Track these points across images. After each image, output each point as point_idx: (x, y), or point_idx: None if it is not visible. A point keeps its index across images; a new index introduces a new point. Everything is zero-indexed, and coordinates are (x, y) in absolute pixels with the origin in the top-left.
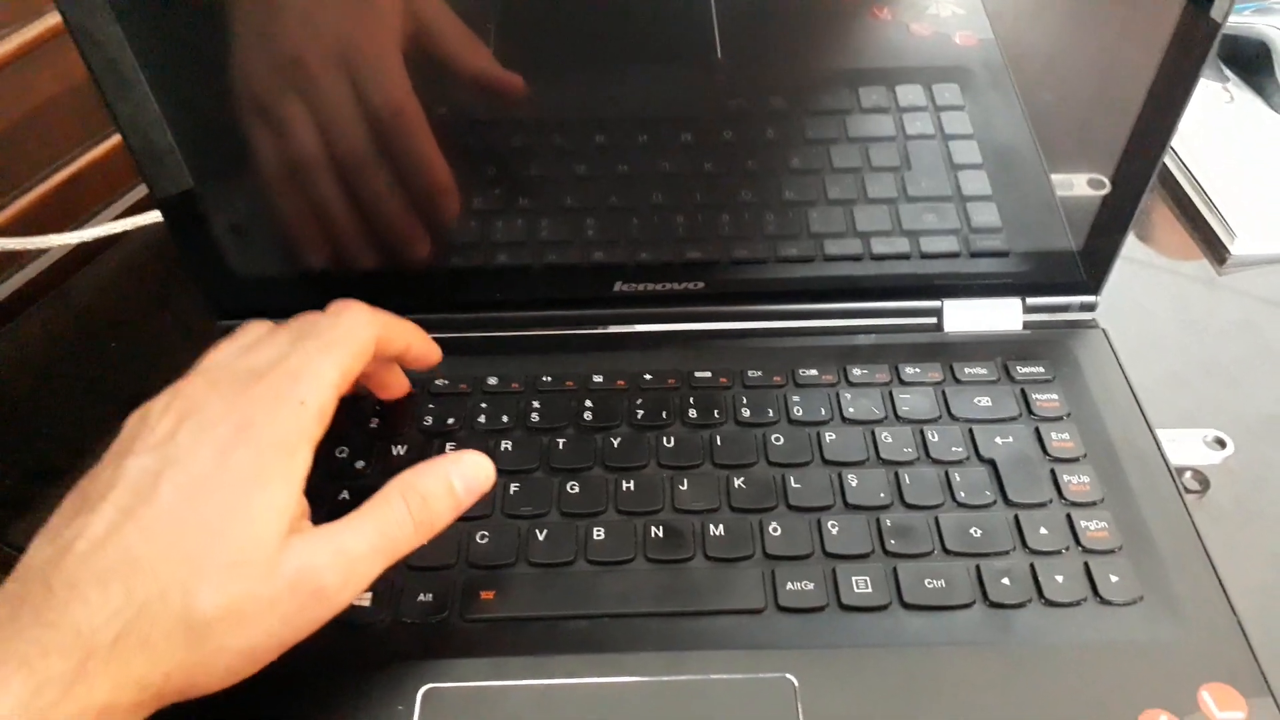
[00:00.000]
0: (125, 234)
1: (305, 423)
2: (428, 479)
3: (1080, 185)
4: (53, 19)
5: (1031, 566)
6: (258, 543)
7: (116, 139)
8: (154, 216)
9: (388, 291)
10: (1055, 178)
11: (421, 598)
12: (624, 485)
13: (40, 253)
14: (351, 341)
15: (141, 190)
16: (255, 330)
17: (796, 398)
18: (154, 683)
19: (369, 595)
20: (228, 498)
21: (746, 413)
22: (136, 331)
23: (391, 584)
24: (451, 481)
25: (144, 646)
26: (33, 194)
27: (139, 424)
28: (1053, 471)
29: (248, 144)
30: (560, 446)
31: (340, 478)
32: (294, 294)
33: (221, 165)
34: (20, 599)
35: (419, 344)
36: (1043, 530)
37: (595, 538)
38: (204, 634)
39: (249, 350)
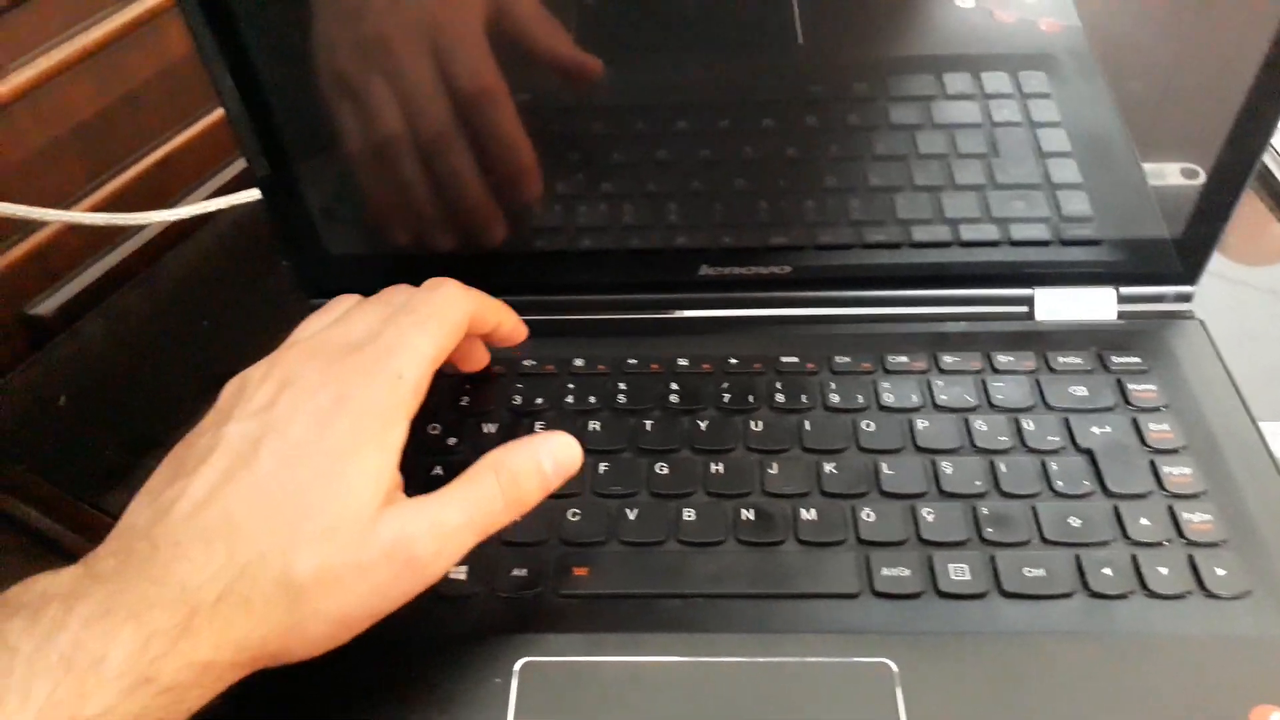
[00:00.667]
0: (214, 215)
1: (402, 395)
2: (519, 458)
3: (1174, 175)
4: (150, 0)
5: (1133, 558)
6: (354, 511)
7: (204, 123)
8: (243, 197)
9: (473, 273)
10: (1148, 166)
11: (516, 572)
12: (713, 468)
13: (135, 231)
14: (447, 318)
15: (227, 174)
16: (345, 303)
17: (887, 384)
18: (251, 645)
19: (464, 568)
20: (326, 466)
21: (836, 399)
22: (226, 308)
23: (486, 559)
24: (541, 461)
25: (244, 607)
26: (127, 174)
27: (237, 392)
28: (1152, 462)
29: (340, 123)
30: (648, 428)
31: (432, 453)
32: (381, 273)
33: (316, 144)
34: (125, 555)
35: (508, 322)
36: (1144, 521)
37: (686, 518)
38: (300, 598)
39: (341, 323)
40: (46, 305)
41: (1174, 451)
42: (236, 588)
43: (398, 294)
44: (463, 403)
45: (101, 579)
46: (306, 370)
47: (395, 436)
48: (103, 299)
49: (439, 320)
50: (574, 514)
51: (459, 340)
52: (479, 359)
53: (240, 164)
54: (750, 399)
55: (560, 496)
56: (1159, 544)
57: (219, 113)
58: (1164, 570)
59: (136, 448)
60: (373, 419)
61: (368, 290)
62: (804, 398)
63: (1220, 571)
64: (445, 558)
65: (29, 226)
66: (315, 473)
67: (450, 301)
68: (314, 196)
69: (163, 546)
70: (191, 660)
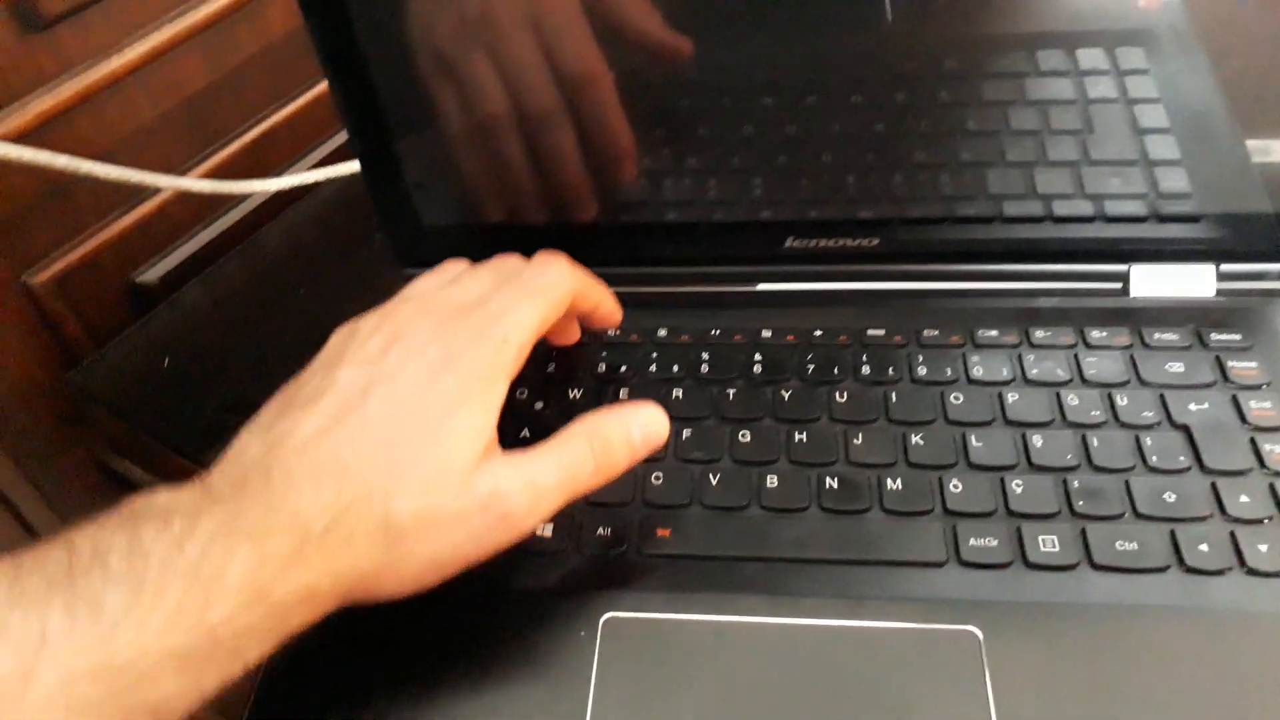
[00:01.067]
0: (312, 188)
1: (506, 359)
2: (610, 425)
3: (1278, 151)
4: None
5: (1232, 534)
6: (454, 461)
7: (304, 98)
8: (338, 170)
9: (560, 245)
10: (1251, 143)
11: (601, 531)
12: (796, 437)
13: (237, 203)
14: (553, 291)
15: (323, 150)
16: (456, 267)
17: (976, 358)
18: (351, 577)
19: (550, 526)
20: (430, 417)
21: (923, 371)
22: (321, 278)
23: (572, 518)
24: (631, 431)
25: (348, 542)
26: (230, 148)
27: (348, 338)
28: (1253, 440)
29: (438, 98)
30: (730, 397)
31: (520, 417)
32: (472, 245)
33: (414, 118)
34: (241, 481)
35: (607, 304)
36: (1244, 498)
37: (768, 485)
38: (398, 538)
39: (454, 285)
40: (151, 273)
41: (1277, 429)
42: (342, 522)
43: (508, 262)
44: (550, 369)
45: (220, 500)
46: (417, 326)
47: (496, 396)
48: (204, 268)
49: (547, 293)
50: (657, 477)
51: (561, 314)
52: (572, 335)
53: (336, 140)
54: (835, 370)
55: (645, 461)
56: (1259, 521)
57: (317, 89)
58: (1264, 547)
59: (234, 408)
60: (477, 378)
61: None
62: (890, 370)
63: None
64: (537, 514)
65: (137, 196)
66: (420, 423)
67: (559, 276)
68: (411, 169)
69: (276, 476)
70: (299, 584)
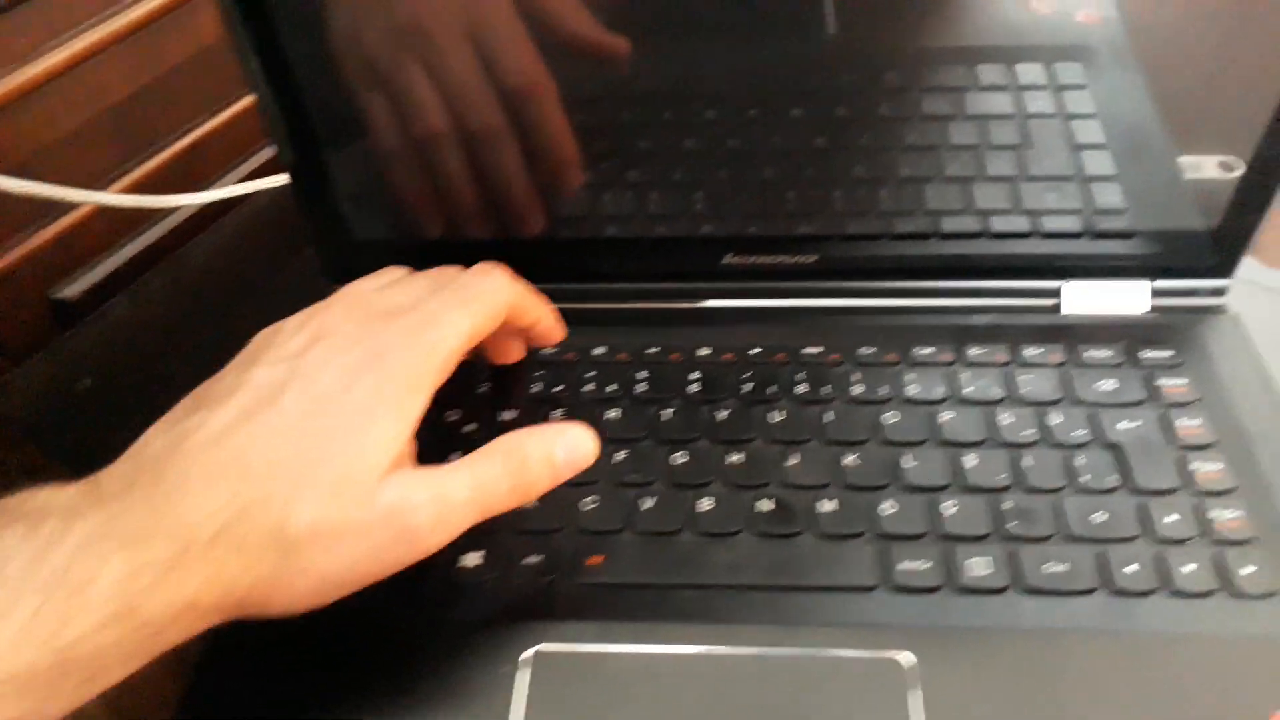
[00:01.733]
0: (242, 200)
1: (431, 366)
2: (531, 443)
3: (1210, 167)
4: None
5: (1158, 554)
6: (363, 469)
7: (236, 107)
8: (271, 182)
9: (498, 259)
10: (1183, 159)
11: (530, 559)
12: (732, 458)
13: (164, 215)
14: (489, 302)
15: (256, 160)
16: (395, 272)
17: (911, 376)
18: (238, 590)
19: (479, 554)
20: (345, 420)
21: (859, 390)
22: (252, 293)
23: (501, 546)
24: (554, 450)
25: (238, 550)
26: (157, 159)
27: (271, 336)
28: (1182, 458)
29: (371, 110)
30: (667, 417)
31: (450, 439)
32: (406, 259)
33: (345, 130)
34: (131, 480)
35: (546, 320)
36: (1171, 517)
37: (703, 508)
38: (293, 549)
39: (389, 288)
40: (73, 289)
41: (1205, 447)
42: (233, 529)
43: (447, 272)
44: (482, 389)
45: (103, 501)
46: (343, 326)
47: (417, 405)
48: (130, 283)
49: (481, 303)
50: (590, 502)
51: (495, 326)
52: (514, 354)
53: (271, 149)
54: (772, 389)
55: (577, 485)
56: (1185, 541)
57: (251, 97)
58: (1189, 568)
59: None
60: (399, 384)
61: None
62: (826, 389)
63: (1247, 570)
64: (443, 531)
65: (57, 210)
66: (333, 426)
67: (496, 287)
68: (342, 182)
69: (169, 476)
70: (177, 596)
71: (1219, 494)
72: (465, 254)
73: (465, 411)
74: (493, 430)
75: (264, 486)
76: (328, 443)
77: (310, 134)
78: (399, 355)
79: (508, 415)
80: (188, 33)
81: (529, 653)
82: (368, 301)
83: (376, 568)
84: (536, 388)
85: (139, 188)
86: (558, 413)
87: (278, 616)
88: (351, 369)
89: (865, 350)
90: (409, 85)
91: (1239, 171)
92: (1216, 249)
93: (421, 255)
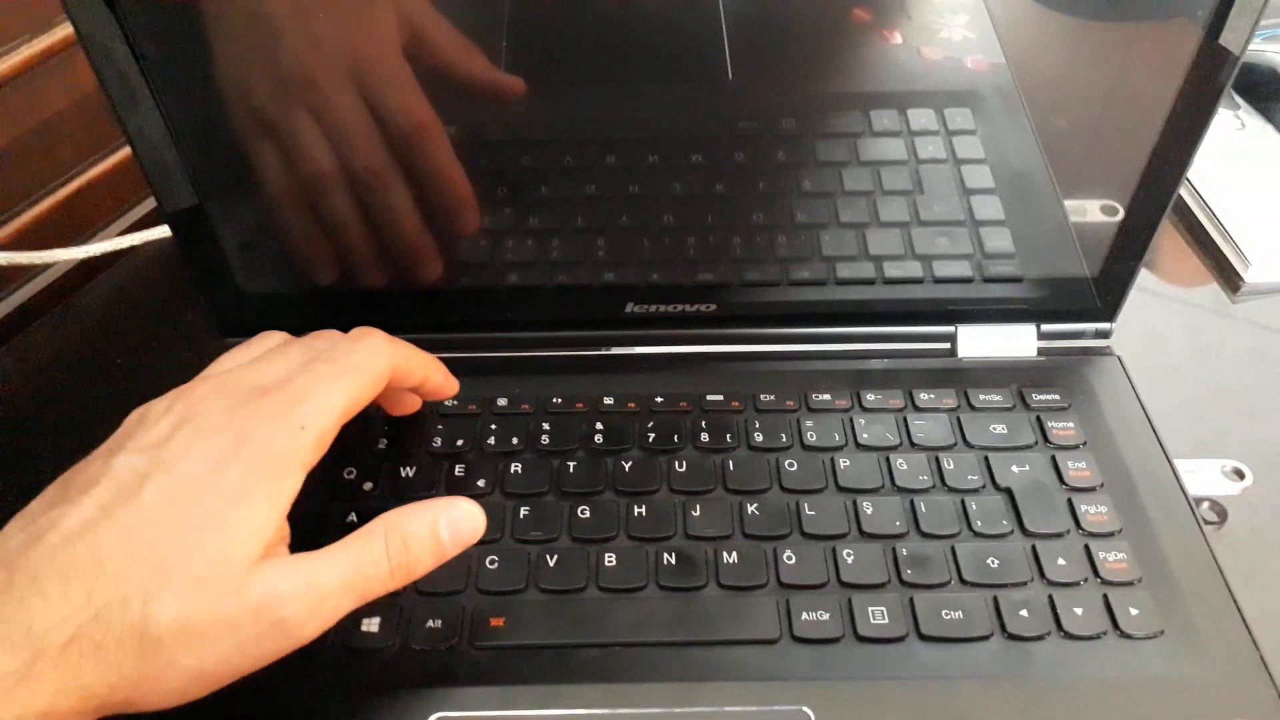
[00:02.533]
0: (132, 249)
1: (301, 447)
2: (413, 521)
3: (1094, 212)
4: (62, 31)
5: (1050, 598)
6: (229, 561)
7: (123, 153)
8: (161, 232)
9: (396, 310)
10: (1069, 204)
11: (430, 624)
12: (635, 510)
13: (46, 267)
14: (365, 372)
15: (148, 205)
16: (269, 341)
17: (810, 423)
18: (99, 693)
19: (376, 620)
20: (210, 510)
21: (759, 438)
22: (142, 348)
23: (400, 610)
24: (438, 528)
25: (95, 653)
26: (39, 207)
27: (137, 422)
28: (1070, 501)
29: (257, 159)
30: (571, 470)
31: (348, 499)
32: (302, 312)
33: (231, 180)
34: None
35: (436, 376)
36: (1061, 561)
37: (606, 564)
38: (156, 648)
39: (260, 362)
40: None
41: (1092, 490)
42: (89, 631)
43: (322, 339)
44: (380, 445)
45: None
46: (209, 408)
47: (287, 488)
48: (11, 337)
49: (355, 373)
50: (492, 561)
51: (374, 395)
52: (410, 405)
53: None
54: (675, 438)
55: (479, 544)
56: (1076, 584)
57: None
58: (1079, 611)
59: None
60: (267, 468)
61: (286, 329)
62: (728, 437)
63: (1134, 611)
64: (317, 621)
65: None
66: (197, 516)
67: (371, 355)
68: (229, 233)
69: (19, 580)
70: (27, 709)
71: (1105, 536)
72: (364, 305)
73: (362, 469)
74: (393, 487)
75: (122, 586)
76: (191, 535)
77: (194, 185)
78: (267, 437)
79: (408, 471)
80: (68, 80)
81: None
82: (236, 380)
83: (248, 662)
84: (437, 442)
85: (20, 238)
86: (459, 468)
87: (153, 710)
88: (218, 454)
89: (765, 397)
90: (293, 132)
91: (1120, 216)
92: (1100, 292)
93: (318, 307)
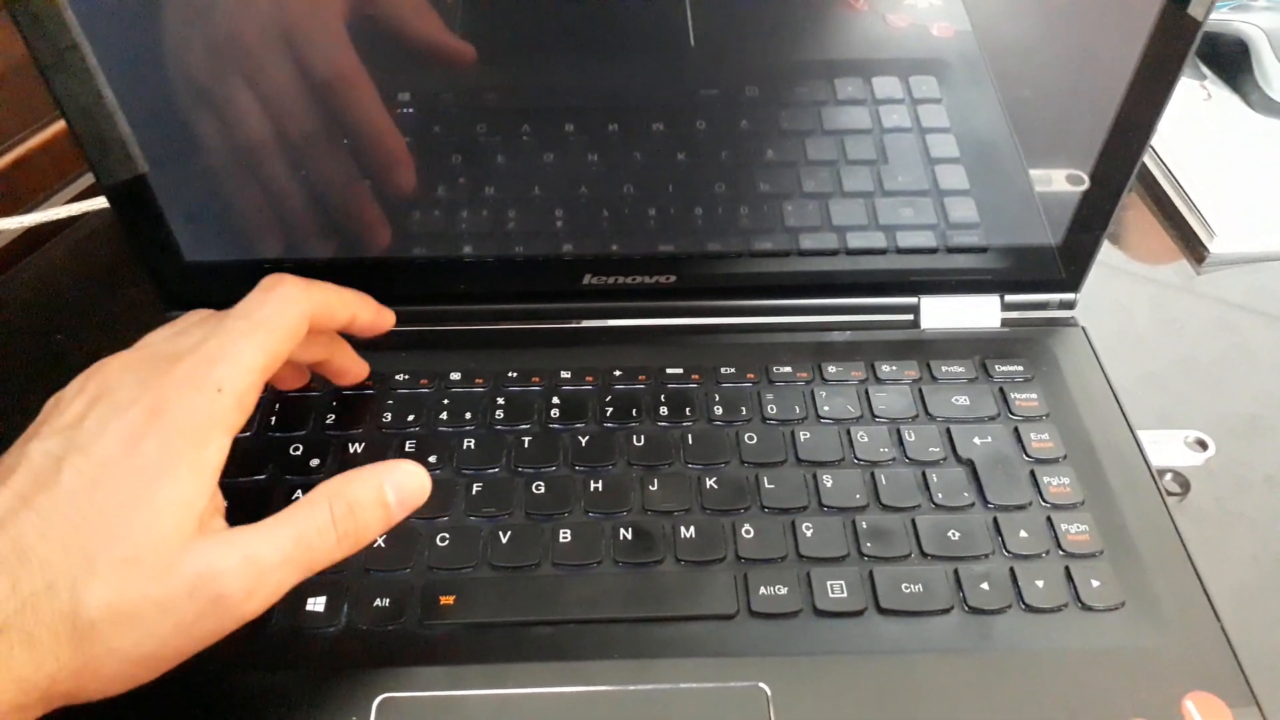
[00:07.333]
0: (74, 220)
1: (221, 410)
2: (358, 487)
3: (1059, 181)
4: None
5: (1011, 570)
6: (158, 540)
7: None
8: (103, 202)
9: (346, 281)
10: (1034, 173)
11: (378, 603)
12: (592, 485)
13: None
14: (278, 321)
15: (91, 176)
16: (193, 316)
17: (770, 395)
18: (38, 684)
19: (322, 600)
20: (131, 488)
21: (719, 410)
22: (83, 321)
23: (347, 588)
24: (384, 491)
25: (28, 644)
26: None
27: (52, 406)
28: (1032, 472)
29: (194, 127)
30: (525, 445)
31: (294, 475)
32: (247, 285)
33: (169, 149)
34: None
35: (365, 311)
36: (1022, 533)
37: (561, 540)
38: (91, 635)
39: (177, 334)
40: None
41: (1054, 461)
42: (18, 622)
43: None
44: (328, 421)
45: None
46: (122, 383)
47: (212, 456)
48: None
49: (268, 326)
50: (443, 538)
51: (294, 344)
52: (356, 371)
53: None
54: (633, 412)
55: (428, 519)
56: (1037, 556)
57: None
58: (1040, 583)
59: None
60: (187, 437)
61: (231, 301)
62: (688, 410)
63: (1095, 583)
64: (260, 597)
65: None
66: (119, 495)
67: (283, 302)
68: (169, 203)
69: None
70: None
71: (1067, 508)
72: (311, 276)
73: (309, 446)
74: (342, 465)
75: (47, 573)
76: (115, 516)
77: (128, 154)
78: (183, 405)
79: (357, 448)
80: (5, 43)
81: (375, 702)
82: (150, 351)
83: (190, 643)
84: (387, 417)
85: None
86: (410, 444)
87: (97, 699)
88: (132, 431)
89: (725, 369)
90: (229, 96)
91: (1085, 185)
92: (1065, 262)
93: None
